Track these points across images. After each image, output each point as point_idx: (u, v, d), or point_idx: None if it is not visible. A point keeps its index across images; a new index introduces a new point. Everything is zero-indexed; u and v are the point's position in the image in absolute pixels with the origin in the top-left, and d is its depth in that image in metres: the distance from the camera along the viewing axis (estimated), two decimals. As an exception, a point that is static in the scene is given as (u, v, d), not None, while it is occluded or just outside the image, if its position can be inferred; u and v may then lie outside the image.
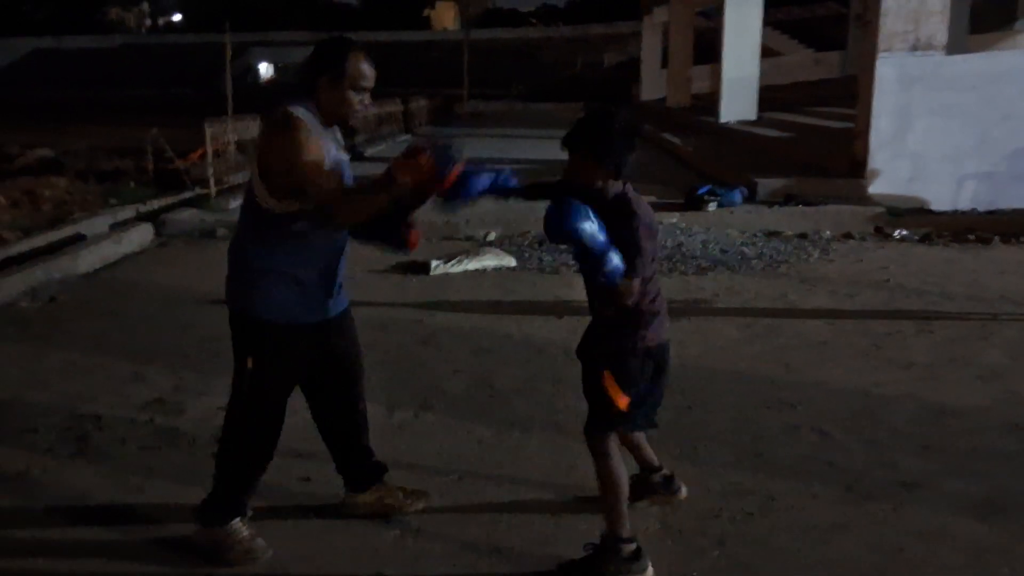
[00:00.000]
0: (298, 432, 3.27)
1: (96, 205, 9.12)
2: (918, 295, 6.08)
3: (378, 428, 3.57)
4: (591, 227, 2.48)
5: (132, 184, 10.77)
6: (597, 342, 2.84)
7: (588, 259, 2.55)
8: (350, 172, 2.87)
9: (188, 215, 8.96)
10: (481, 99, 35.55)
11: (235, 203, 9.75)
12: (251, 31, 50.25)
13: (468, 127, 24.28)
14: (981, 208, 8.99)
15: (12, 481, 3.44)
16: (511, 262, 7.05)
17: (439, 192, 2.63)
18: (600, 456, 2.78)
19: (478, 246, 7.59)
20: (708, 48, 19.90)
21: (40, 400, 4.25)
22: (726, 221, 8.78)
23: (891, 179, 9.38)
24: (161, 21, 72.70)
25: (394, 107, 21.94)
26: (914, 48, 9.16)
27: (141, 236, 8.16)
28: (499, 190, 2.73)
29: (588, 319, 2.88)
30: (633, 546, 2.73)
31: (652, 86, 29.22)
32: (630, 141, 2.65)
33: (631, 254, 2.57)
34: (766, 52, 18.40)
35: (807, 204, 9.44)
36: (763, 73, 17.28)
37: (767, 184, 10.05)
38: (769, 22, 20.32)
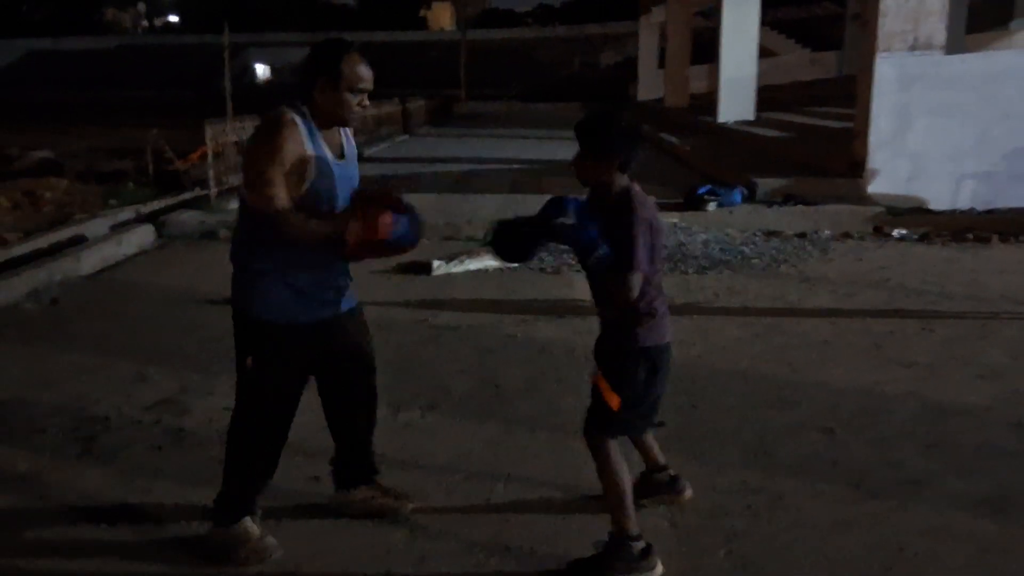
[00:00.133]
0: (307, 431, 3.28)
1: (96, 206, 9.12)
2: (918, 294, 6.11)
3: (384, 428, 3.59)
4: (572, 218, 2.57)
5: (132, 185, 10.77)
6: (599, 342, 2.87)
7: (578, 244, 2.61)
8: (356, 174, 2.86)
9: (189, 216, 8.96)
10: (479, 99, 35.55)
11: (235, 204, 9.75)
12: (248, 32, 50.23)
13: (466, 127, 24.30)
14: (980, 207, 9.02)
15: (20, 481, 3.45)
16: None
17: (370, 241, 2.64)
18: (599, 456, 2.80)
19: (480, 246, 7.60)
20: (706, 48, 19.94)
21: (46, 401, 4.26)
22: (726, 221, 8.80)
23: (890, 179, 9.41)
24: (157, 22, 72.61)
25: (392, 108, 21.94)
26: (913, 48, 9.19)
27: (142, 237, 8.17)
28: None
29: (591, 319, 2.90)
30: (642, 544, 2.75)
31: (649, 86, 29.27)
32: (634, 138, 2.72)
33: (628, 248, 2.59)
34: (763, 52, 18.42)
35: (806, 204, 9.46)
36: (760, 73, 17.31)
37: (766, 184, 10.08)
38: (766, 22, 20.33)
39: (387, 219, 2.57)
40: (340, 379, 3.04)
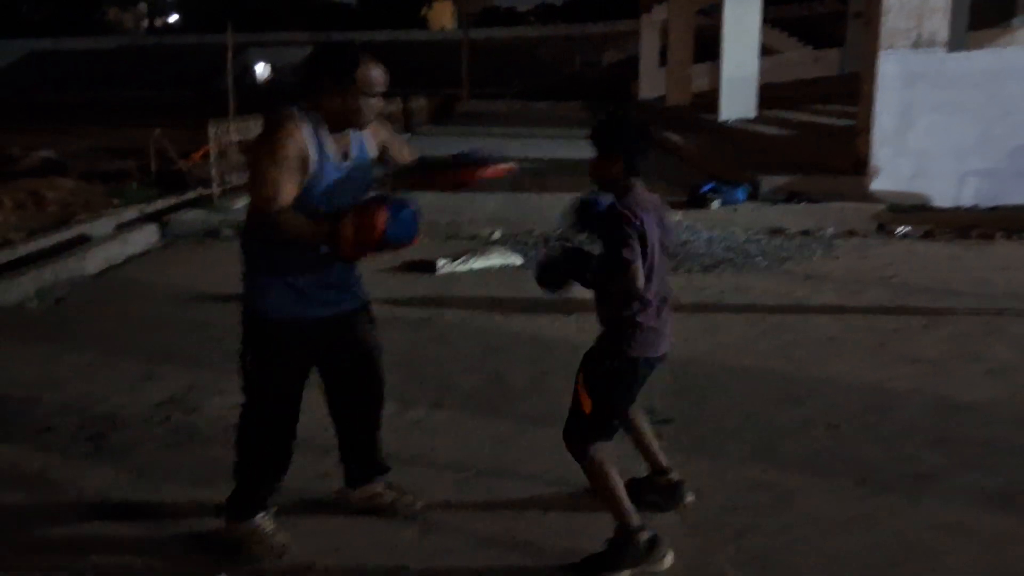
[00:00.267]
0: (315, 428, 3.29)
1: (100, 206, 9.13)
2: (923, 292, 6.11)
3: (392, 425, 3.60)
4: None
5: (135, 185, 10.79)
6: (594, 344, 2.89)
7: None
8: (363, 177, 2.85)
9: (193, 215, 8.97)
10: (481, 98, 35.54)
11: (239, 203, 9.76)
12: (248, 31, 50.19)
13: (467, 125, 24.30)
14: (984, 205, 9.01)
15: (30, 480, 3.47)
16: (517, 260, 7.07)
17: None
18: (581, 462, 2.82)
19: (483, 245, 7.61)
20: (707, 46, 19.92)
21: (54, 400, 4.27)
22: (730, 219, 8.79)
23: (893, 176, 9.39)
24: (158, 22, 72.61)
25: (394, 107, 21.93)
26: (916, 45, 9.18)
27: (146, 237, 8.18)
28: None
29: (596, 316, 2.92)
30: (647, 534, 2.76)
31: (651, 84, 29.21)
32: (638, 137, 2.77)
33: (615, 245, 2.65)
34: (765, 50, 18.42)
35: (810, 201, 9.44)
36: (762, 71, 17.29)
37: (769, 182, 10.07)
38: (767, 20, 20.32)
39: (382, 216, 2.56)
40: (345, 376, 3.05)
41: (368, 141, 2.91)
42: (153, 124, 11.71)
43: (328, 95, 2.69)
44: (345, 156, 2.80)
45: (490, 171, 2.93)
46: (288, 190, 2.63)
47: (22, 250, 7.10)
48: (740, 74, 16.63)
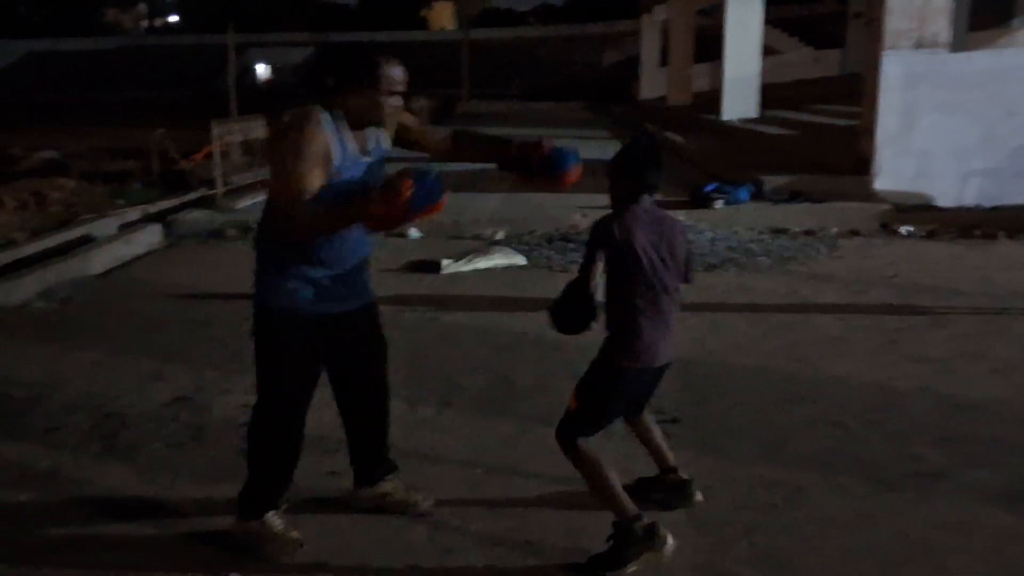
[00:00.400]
0: (325, 427, 3.30)
1: (103, 206, 9.14)
2: (926, 291, 6.12)
3: (401, 424, 3.62)
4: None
5: (138, 185, 10.80)
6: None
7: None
8: (379, 174, 2.89)
9: (196, 216, 8.99)
10: (481, 99, 35.55)
11: (242, 203, 9.78)
12: (248, 32, 50.20)
13: (468, 126, 24.27)
14: (986, 204, 9.03)
15: (40, 479, 3.47)
16: (521, 260, 7.08)
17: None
18: (568, 455, 2.86)
19: (487, 245, 7.62)
20: (708, 46, 19.94)
21: (63, 399, 4.28)
22: (733, 219, 8.80)
23: (896, 176, 9.40)
24: (158, 22, 72.61)
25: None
26: (918, 46, 9.19)
27: (150, 237, 8.19)
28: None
29: (601, 316, 2.94)
30: (644, 522, 2.77)
31: (652, 85, 29.24)
32: (641, 160, 2.83)
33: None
34: (765, 50, 18.41)
35: (812, 201, 9.45)
36: (763, 71, 17.31)
37: (772, 181, 10.08)
38: (769, 20, 20.32)
39: (407, 183, 2.59)
40: (351, 374, 3.06)
41: (384, 136, 2.95)
42: (153, 125, 11.72)
43: (351, 94, 2.74)
44: (364, 151, 2.85)
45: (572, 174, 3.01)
46: (314, 184, 2.65)
47: (26, 250, 7.12)
48: (742, 74, 16.65)
